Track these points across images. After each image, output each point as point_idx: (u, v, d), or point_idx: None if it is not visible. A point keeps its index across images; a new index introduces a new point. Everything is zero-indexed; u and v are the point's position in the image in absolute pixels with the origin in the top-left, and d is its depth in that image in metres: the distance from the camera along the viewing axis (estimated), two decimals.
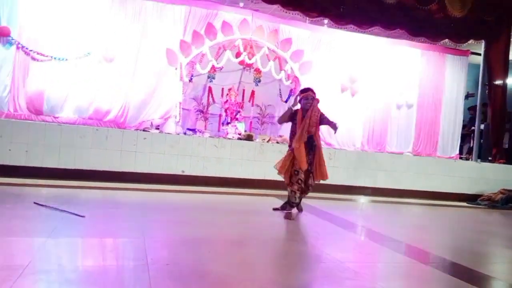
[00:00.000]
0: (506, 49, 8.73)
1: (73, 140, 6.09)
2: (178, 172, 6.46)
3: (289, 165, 4.70)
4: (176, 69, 7.87)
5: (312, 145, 4.74)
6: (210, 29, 8.01)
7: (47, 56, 6.92)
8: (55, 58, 6.97)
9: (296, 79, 9.00)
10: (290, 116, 4.91)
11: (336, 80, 9.13)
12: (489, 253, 4.11)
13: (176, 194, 5.72)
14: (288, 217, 4.60)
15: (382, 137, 9.40)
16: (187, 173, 6.49)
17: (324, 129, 9.23)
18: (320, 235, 4.17)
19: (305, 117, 4.72)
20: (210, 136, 7.36)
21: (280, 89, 9.34)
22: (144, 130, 6.85)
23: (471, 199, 7.91)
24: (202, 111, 8.77)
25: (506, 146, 9.19)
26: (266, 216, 4.84)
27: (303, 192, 4.83)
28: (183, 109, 8.34)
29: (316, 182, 4.85)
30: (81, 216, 3.65)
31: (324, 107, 9.19)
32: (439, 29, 8.04)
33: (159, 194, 5.60)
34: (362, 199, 7.16)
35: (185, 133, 7.55)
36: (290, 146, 4.85)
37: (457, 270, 3.15)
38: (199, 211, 4.71)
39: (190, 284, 2.35)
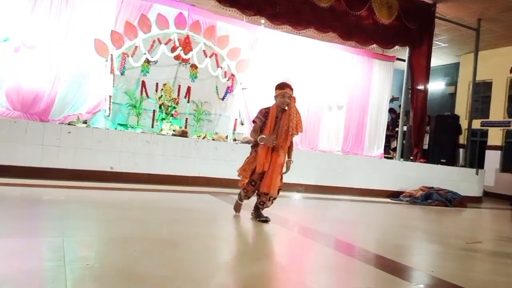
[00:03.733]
0: (428, 56, 9.41)
1: None
2: (106, 168, 6.15)
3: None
4: (106, 60, 7.50)
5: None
6: (144, 21, 7.74)
7: None
8: None
9: (232, 77, 8.99)
10: (261, 126, 4.25)
11: (272, 79, 9.23)
12: (409, 246, 4.38)
13: (103, 192, 5.42)
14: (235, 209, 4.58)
15: (315, 137, 9.70)
16: (116, 169, 6.19)
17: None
18: (253, 232, 4.17)
19: (278, 119, 4.19)
20: (142, 132, 7.09)
21: (217, 86, 9.27)
22: (69, 124, 6.41)
23: (394, 195, 8.42)
24: (135, 106, 8.44)
25: (426, 146, 9.89)
26: (199, 213, 4.75)
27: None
28: (114, 103, 7.97)
29: (263, 192, 4.27)
30: None
31: (260, 104, 9.37)
32: (368, 35, 8.46)
33: (85, 192, 5.27)
34: (296, 196, 7.31)
35: (115, 128, 7.20)
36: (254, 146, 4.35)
37: (380, 262, 3.30)
38: (127, 209, 4.50)
39: (111, 285, 2.22)
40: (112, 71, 7.61)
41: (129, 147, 6.31)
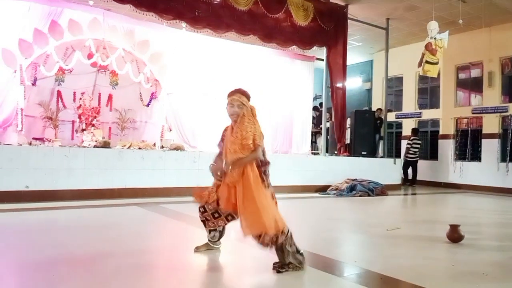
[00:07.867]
0: (344, 55, 9.92)
1: None
2: (21, 188, 5.69)
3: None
4: (15, 71, 6.95)
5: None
6: (54, 28, 7.29)
7: None
8: None
9: (156, 82, 8.79)
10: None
11: (197, 83, 9.19)
12: (336, 238, 4.58)
13: (18, 214, 5.02)
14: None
15: None
16: (32, 188, 5.76)
17: (187, 129, 9.12)
18: (176, 242, 4.11)
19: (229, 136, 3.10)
20: (60, 145, 6.67)
21: (140, 93, 9.00)
22: None
23: (322, 189, 8.78)
24: (51, 118, 7.91)
25: (348, 141, 10.43)
26: (125, 228, 4.57)
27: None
28: (26, 116, 7.41)
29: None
30: None
31: (187, 109, 9.26)
32: (287, 36, 8.73)
33: None
34: None
35: (30, 143, 6.70)
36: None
37: (310, 259, 3.36)
38: (46, 231, 4.20)
39: None
40: (22, 82, 7.07)
41: (45, 163, 5.90)
